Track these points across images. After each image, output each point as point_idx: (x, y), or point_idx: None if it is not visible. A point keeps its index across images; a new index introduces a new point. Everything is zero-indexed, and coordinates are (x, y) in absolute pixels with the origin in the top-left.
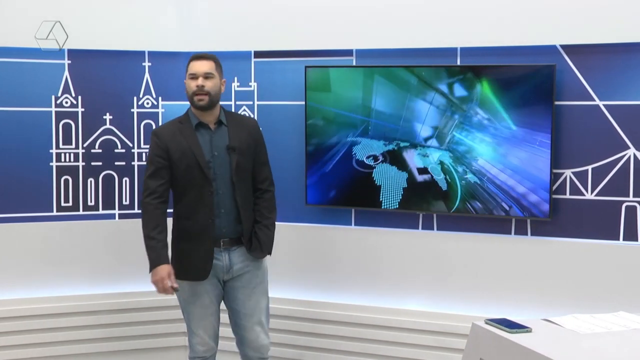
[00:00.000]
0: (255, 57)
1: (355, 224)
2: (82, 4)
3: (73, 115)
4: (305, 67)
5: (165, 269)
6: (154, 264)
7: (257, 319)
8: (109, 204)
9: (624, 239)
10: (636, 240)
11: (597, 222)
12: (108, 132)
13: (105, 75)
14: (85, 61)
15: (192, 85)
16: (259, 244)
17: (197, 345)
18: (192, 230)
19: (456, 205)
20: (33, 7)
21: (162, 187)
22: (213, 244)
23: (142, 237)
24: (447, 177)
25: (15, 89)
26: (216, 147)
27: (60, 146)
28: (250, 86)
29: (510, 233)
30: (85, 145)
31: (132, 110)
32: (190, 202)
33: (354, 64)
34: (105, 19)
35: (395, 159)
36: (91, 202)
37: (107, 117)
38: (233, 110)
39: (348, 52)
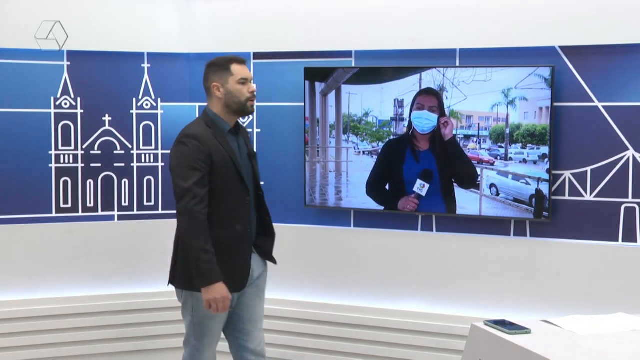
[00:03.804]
0: (254, 58)
1: (354, 226)
2: (81, 5)
3: (72, 117)
4: (305, 68)
5: (225, 287)
6: (212, 280)
7: (260, 324)
8: (108, 206)
9: (623, 241)
10: (635, 241)
11: (596, 224)
12: (107, 133)
13: (104, 76)
14: (84, 62)
15: (245, 90)
16: (272, 247)
17: None
18: (227, 240)
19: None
20: (33, 7)
21: (206, 195)
22: (250, 252)
23: (141, 239)
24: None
25: (14, 91)
26: (242, 153)
27: (60, 147)
28: None
29: (509, 234)
30: (84, 146)
31: (131, 111)
32: (227, 211)
33: (353, 65)
34: (105, 21)
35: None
36: (90, 203)
37: (107, 118)
38: None
39: (347, 54)
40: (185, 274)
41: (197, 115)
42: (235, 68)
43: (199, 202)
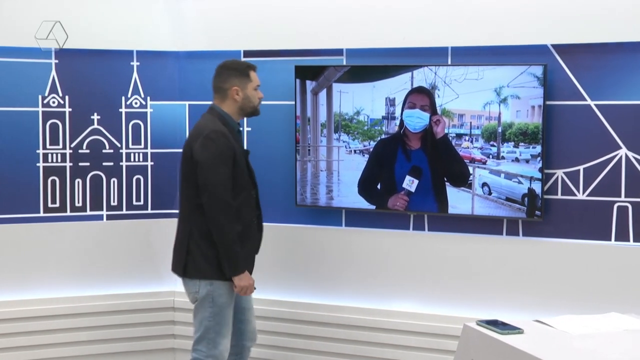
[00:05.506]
0: (245, 56)
1: (345, 225)
2: (70, 4)
3: (60, 115)
4: (296, 66)
5: (249, 274)
6: (244, 269)
7: (253, 311)
8: (96, 205)
9: (615, 240)
10: (628, 240)
11: (588, 223)
12: (96, 132)
13: (92, 74)
14: (72, 60)
15: (257, 96)
16: (261, 239)
17: (225, 351)
18: (243, 229)
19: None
20: (26, 7)
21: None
22: (258, 243)
23: (130, 239)
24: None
25: (1, 89)
26: (243, 151)
27: (47, 146)
28: None
29: (501, 234)
30: (72, 145)
31: (120, 110)
32: (242, 202)
33: (344, 63)
34: (93, 19)
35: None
36: (79, 203)
37: (95, 117)
38: None
39: (338, 52)
40: (210, 264)
41: (187, 114)
42: (253, 75)
43: (229, 195)
